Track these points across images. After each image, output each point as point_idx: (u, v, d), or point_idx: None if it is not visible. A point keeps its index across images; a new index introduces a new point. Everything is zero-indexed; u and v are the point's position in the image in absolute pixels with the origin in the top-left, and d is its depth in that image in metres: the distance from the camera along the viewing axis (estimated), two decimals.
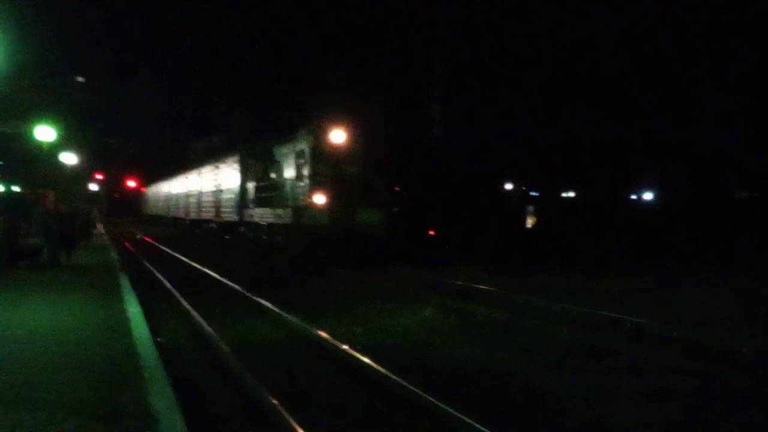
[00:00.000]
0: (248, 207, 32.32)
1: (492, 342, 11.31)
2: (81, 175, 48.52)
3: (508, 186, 46.67)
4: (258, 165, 31.24)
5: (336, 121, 24.54)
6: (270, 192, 28.96)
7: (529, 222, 49.17)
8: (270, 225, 28.77)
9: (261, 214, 30.03)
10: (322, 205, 23.85)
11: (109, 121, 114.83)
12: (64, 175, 37.73)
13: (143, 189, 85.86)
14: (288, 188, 26.66)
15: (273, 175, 28.90)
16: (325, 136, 24.40)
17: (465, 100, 42.00)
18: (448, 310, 14.13)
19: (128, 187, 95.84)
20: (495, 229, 34.16)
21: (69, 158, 34.83)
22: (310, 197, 24.21)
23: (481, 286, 16.89)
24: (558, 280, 18.73)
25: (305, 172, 25.00)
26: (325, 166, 24.36)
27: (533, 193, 51.25)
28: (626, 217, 44.66)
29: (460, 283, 17.76)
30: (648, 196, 51.81)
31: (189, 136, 75.17)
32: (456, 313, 13.74)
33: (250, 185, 32.19)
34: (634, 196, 52.19)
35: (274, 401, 7.17)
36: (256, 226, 31.04)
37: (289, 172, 26.77)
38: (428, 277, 19.47)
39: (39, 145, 26.38)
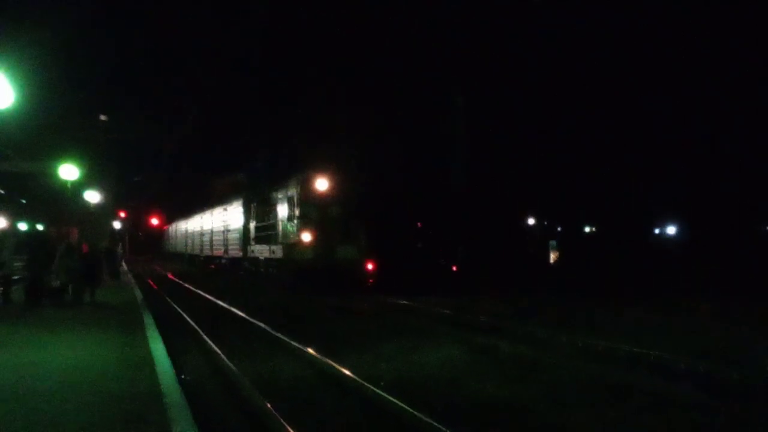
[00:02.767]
0: (250, 244, 35.79)
1: (509, 377, 11.09)
2: (104, 213, 48.78)
3: (531, 221, 46.56)
4: (258, 207, 34.76)
5: (320, 170, 28.12)
6: (267, 231, 32.39)
7: (553, 257, 48.86)
8: (267, 260, 32.21)
9: (260, 251, 33.54)
10: (308, 243, 27.29)
11: (131, 159, 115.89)
12: (87, 213, 37.96)
13: (165, 227, 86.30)
14: (281, 228, 30.13)
15: (269, 216, 32.38)
16: (311, 183, 27.96)
17: (486, 137, 42.18)
18: (469, 345, 14.00)
19: (151, 224, 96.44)
20: (518, 265, 34.23)
21: (92, 196, 35.05)
22: (299, 235, 27.67)
23: (490, 318, 16.87)
24: (580, 315, 18.54)
25: (295, 213, 28.44)
26: (311, 209, 27.86)
27: (557, 228, 51.05)
28: (649, 252, 44.27)
29: (483, 318, 17.64)
30: (671, 230, 51.43)
31: (211, 172, 75.83)
32: (477, 348, 13.61)
33: (252, 225, 35.60)
34: (657, 230, 51.84)
35: None
36: (255, 261, 34.66)
37: (282, 214, 30.20)
38: (448, 312, 19.46)
39: (63, 184, 26.60)
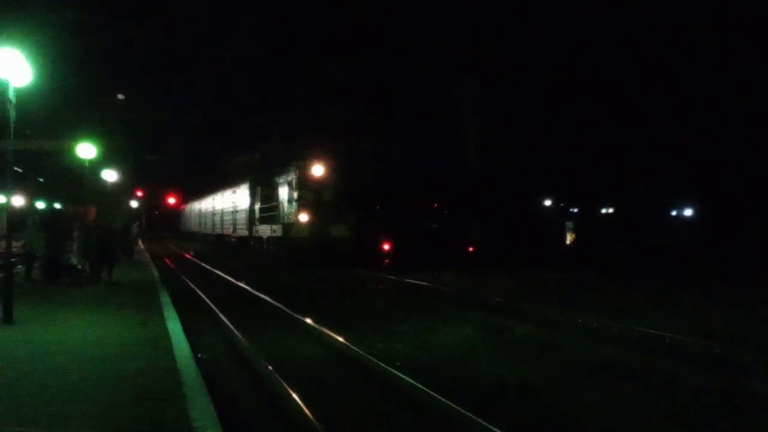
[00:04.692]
0: (255, 224, 38.71)
1: (522, 358, 11.13)
2: (121, 192, 48.94)
3: (547, 202, 46.44)
4: (262, 190, 37.40)
5: (317, 158, 30.73)
6: (270, 212, 35.21)
7: (569, 238, 48.73)
8: (269, 238, 34.96)
9: (263, 230, 36.36)
10: (305, 222, 29.96)
11: (148, 138, 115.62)
12: (104, 192, 38.08)
13: (182, 207, 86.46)
14: (281, 209, 33.05)
15: (272, 199, 34.99)
16: (308, 169, 30.60)
17: (502, 119, 42.18)
18: (483, 325, 14.04)
19: (168, 204, 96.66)
20: (533, 246, 34.40)
21: (110, 175, 35.16)
22: (296, 216, 30.35)
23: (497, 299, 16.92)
24: (592, 296, 18.53)
25: (294, 196, 31.09)
26: (307, 193, 30.53)
27: (573, 209, 50.88)
28: (666, 234, 44.03)
29: (497, 299, 17.69)
30: (688, 212, 51.10)
31: (227, 151, 75.91)
32: (490, 328, 13.65)
33: (257, 206, 38.47)
34: (674, 212, 51.50)
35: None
36: (260, 240, 37.39)
37: (282, 197, 33.09)
38: (462, 292, 19.56)
39: (80, 163, 26.68)
